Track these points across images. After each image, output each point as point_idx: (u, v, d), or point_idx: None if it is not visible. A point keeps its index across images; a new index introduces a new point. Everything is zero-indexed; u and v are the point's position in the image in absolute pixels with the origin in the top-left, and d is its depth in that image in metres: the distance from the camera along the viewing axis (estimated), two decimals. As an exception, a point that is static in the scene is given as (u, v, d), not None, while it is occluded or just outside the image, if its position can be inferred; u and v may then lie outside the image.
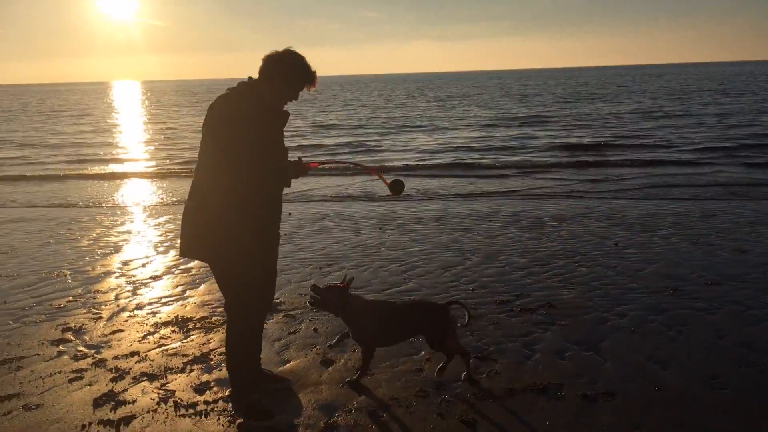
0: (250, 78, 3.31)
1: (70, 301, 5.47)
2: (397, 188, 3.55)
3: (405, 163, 15.34)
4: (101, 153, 19.76)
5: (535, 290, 5.44)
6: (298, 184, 9.33)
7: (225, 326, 3.64)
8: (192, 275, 6.19)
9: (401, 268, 6.23)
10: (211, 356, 4.25)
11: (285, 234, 7.83)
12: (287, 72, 3.24)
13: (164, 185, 13.10)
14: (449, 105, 39.18)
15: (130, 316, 5.07)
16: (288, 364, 4.12)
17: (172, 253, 7.06)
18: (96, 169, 16.25)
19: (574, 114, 27.94)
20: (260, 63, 3.26)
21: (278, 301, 5.32)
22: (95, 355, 4.31)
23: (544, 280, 5.71)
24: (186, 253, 3.38)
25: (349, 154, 17.28)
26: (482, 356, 4.13)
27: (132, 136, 25.95)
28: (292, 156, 3.49)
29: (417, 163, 15.17)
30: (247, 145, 3.12)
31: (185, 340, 4.54)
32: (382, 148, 18.92)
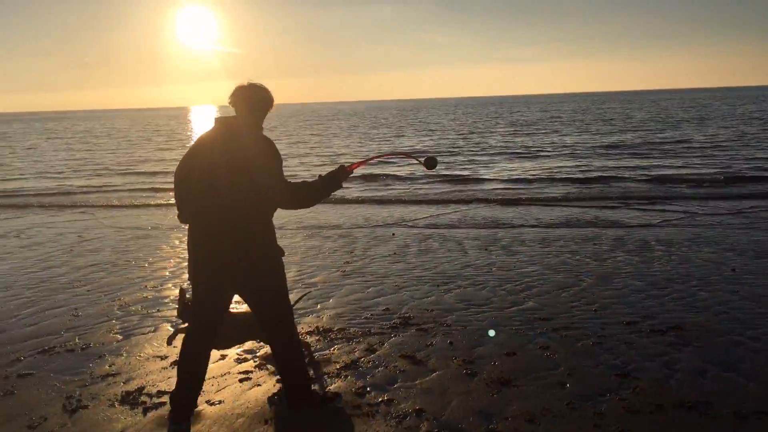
0: (230, 115, 3.68)
1: (214, 310, 5.94)
2: (431, 164, 3.99)
3: (504, 190, 15.33)
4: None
5: (659, 312, 5.53)
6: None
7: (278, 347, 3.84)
8: (318, 288, 6.57)
9: (517, 288, 6.42)
10: (360, 364, 4.57)
11: (394, 253, 8.18)
12: (268, 102, 3.70)
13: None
14: (530, 129, 39.00)
15: (274, 325, 5.46)
16: (433, 374, 4.39)
17: (294, 267, 7.49)
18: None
19: (668, 139, 27.30)
20: (234, 95, 3.62)
21: (407, 315, 5.63)
22: (255, 359, 4.71)
23: (666, 303, 5.79)
24: (250, 286, 3.67)
25: (446, 183, 16.98)
26: (623, 374, 4.28)
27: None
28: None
29: (519, 194, 14.94)
30: (282, 173, 3.64)
31: (331, 349, 4.89)
32: (480, 176, 18.19)
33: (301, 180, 3.95)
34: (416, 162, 4.13)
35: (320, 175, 3.83)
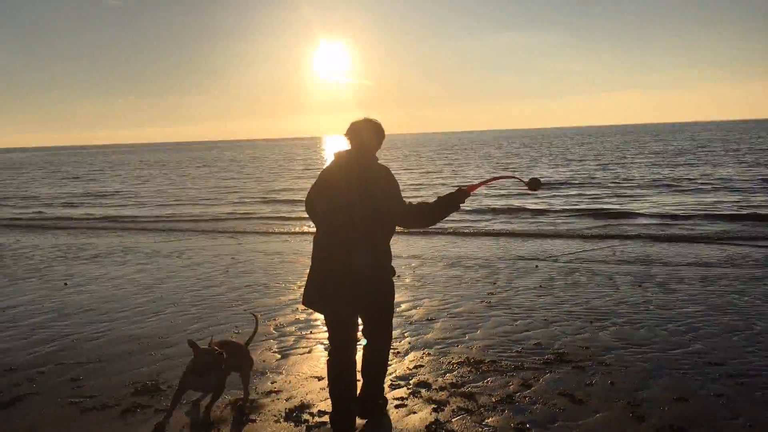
0: (352, 147, 3.95)
1: (364, 335, 6.06)
2: (534, 185, 4.15)
3: (656, 225, 14.53)
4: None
5: None
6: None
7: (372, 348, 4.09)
8: (465, 319, 6.51)
9: (680, 328, 5.99)
10: (516, 399, 4.43)
11: (540, 286, 7.95)
12: (383, 134, 4.05)
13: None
14: (677, 160, 36.79)
15: (425, 354, 5.46)
16: (597, 415, 4.16)
17: (437, 296, 7.49)
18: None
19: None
20: (353, 129, 3.93)
21: (561, 351, 5.42)
22: (408, 386, 4.72)
23: None
24: (368, 303, 3.88)
25: (590, 217, 16.27)
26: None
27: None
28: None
29: (672, 229, 14.02)
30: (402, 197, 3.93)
31: (484, 381, 4.79)
32: (628, 209, 17.18)
33: (419, 201, 4.11)
34: (521, 182, 4.25)
35: (439, 196, 4.00)
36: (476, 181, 4.81)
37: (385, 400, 4.31)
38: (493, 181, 4.72)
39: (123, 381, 4.96)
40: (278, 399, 4.53)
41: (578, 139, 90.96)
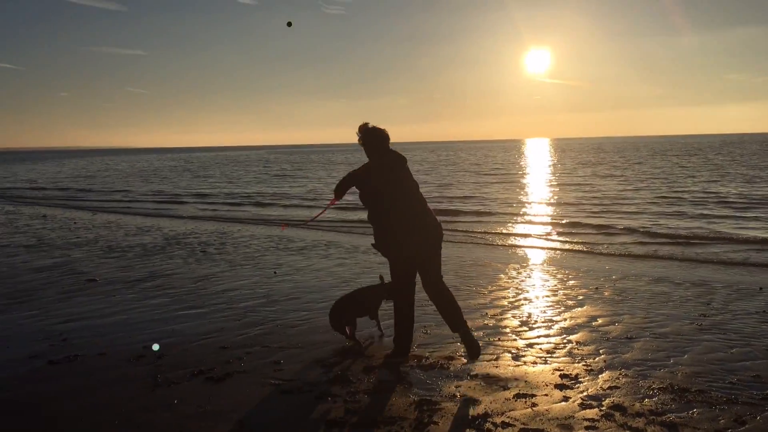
0: (387, 148, 5.45)
1: (555, 347, 5.78)
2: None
3: None
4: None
5: None
6: None
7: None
8: (670, 340, 5.93)
9: None
10: (728, 437, 3.93)
11: (764, 311, 7.00)
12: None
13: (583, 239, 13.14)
14: None
15: (621, 374, 5.06)
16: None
17: (639, 313, 6.92)
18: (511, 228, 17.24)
19: None
20: (382, 135, 5.45)
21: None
22: (600, 407, 4.40)
23: None
24: (436, 246, 5.40)
25: None
26: None
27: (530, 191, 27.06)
28: None
29: None
30: None
31: (689, 412, 4.31)
32: None
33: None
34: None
35: None
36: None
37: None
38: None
39: (319, 368, 5.25)
40: (461, 404, 4.48)
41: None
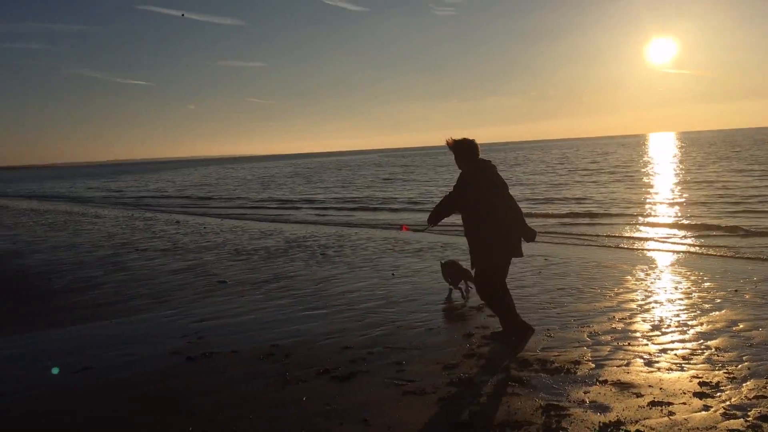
0: (478, 158, 5.86)
1: (692, 353, 5.42)
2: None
3: None
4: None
5: None
6: None
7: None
8: (826, 349, 5.39)
9: None
10: None
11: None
12: None
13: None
14: None
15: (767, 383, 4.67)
16: None
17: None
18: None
19: None
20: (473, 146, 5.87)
21: None
22: (746, 418, 4.07)
23: None
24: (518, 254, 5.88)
25: None
26: None
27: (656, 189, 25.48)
28: None
29: None
30: None
31: None
32: None
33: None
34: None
35: None
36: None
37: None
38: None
39: (439, 370, 5.24)
40: (590, 410, 4.30)
41: None
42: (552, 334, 6.11)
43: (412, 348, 5.90)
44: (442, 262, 8.34)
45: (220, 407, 4.66)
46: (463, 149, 5.81)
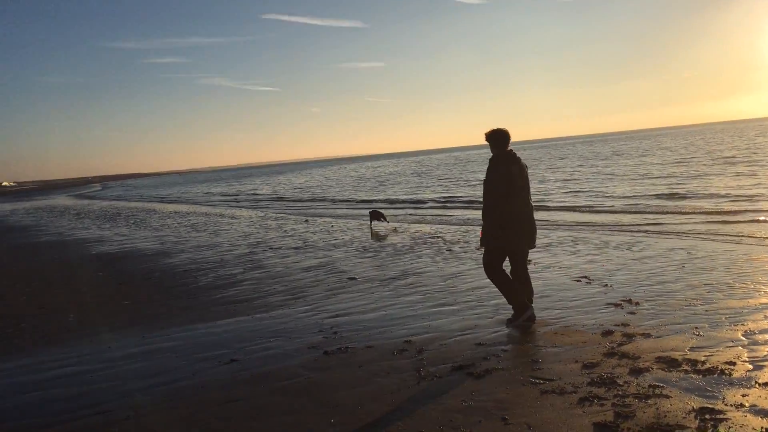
0: (506, 148, 6.41)
1: None
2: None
3: None
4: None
5: None
6: None
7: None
8: None
9: None
10: None
11: None
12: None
13: None
14: None
15: None
16: None
17: None
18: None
19: None
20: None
21: None
22: None
23: None
24: (532, 245, 6.51)
25: None
26: None
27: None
28: None
29: None
30: None
31: None
32: None
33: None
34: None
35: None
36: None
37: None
38: None
39: (579, 369, 5.07)
40: (750, 414, 3.99)
41: None
42: (701, 333, 5.72)
43: (548, 345, 5.75)
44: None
45: (360, 401, 4.78)
46: (496, 137, 6.35)
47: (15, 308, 9.39)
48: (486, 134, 6.44)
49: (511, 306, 6.58)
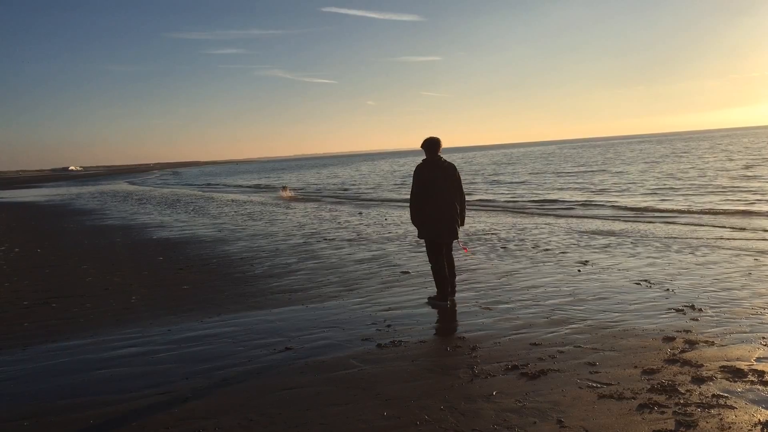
0: (433, 155, 7.49)
1: None
2: None
3: None
4: None
5: None
6: None
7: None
8: None
9: None
10: None
11: None
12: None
13: None
14: None
15: None
16: None
17: None
18: None
19: None
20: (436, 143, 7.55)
21: None
22: None
23: None
24: (451, 237, 7.47)
25: None
26: None
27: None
28: None
29: None
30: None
31: None
32: None
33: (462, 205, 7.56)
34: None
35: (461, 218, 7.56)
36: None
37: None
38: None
39: (638, 374, 4.94)
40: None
41: None
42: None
43: (605, 349, 5.62)
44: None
45: (413, 395, 4.79)
46: (427, 145, 7.44)
47: (81, 288, 9.78)
48: (422, 143, 7.48)
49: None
